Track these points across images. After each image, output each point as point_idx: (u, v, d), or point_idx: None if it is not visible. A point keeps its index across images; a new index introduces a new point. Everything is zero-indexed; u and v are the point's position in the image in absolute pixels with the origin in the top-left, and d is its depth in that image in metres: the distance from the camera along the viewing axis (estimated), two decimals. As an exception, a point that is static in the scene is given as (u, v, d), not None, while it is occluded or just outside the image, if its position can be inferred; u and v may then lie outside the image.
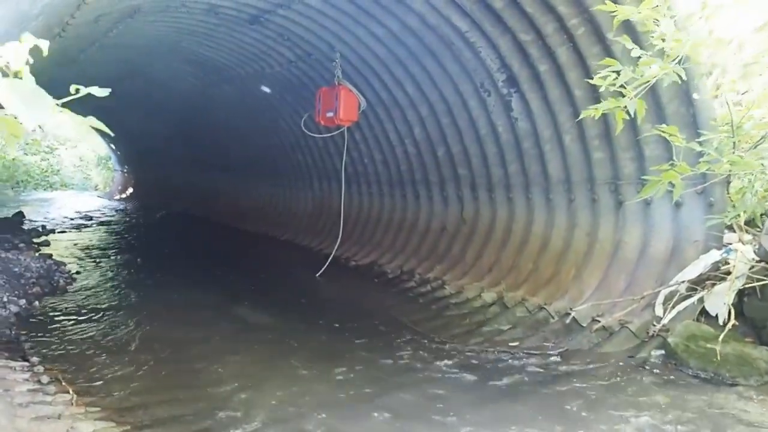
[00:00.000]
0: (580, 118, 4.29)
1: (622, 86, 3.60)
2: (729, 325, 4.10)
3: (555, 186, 6.05)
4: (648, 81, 3.49)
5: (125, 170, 21.83)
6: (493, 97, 6.27)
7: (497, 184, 6.70)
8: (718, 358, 3.97)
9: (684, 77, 3.53)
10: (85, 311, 5.94)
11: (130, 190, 20.54)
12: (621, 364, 4.26)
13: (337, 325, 5.52)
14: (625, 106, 3.58)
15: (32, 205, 18.27)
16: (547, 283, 5.77)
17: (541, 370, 4.28)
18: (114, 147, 21.74)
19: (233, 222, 12.71)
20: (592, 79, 5.33)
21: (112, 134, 1.74)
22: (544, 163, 6.05)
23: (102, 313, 5.92)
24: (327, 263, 7.75)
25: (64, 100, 1.59)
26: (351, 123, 7.59)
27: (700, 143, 3.88)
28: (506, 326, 5.33)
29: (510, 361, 4.53)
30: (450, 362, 4.55)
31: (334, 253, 8.08)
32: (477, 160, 6.86)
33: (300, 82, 8.67)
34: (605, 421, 3.46)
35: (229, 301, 6.36)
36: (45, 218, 14.49)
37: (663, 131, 3.78)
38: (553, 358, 4.51)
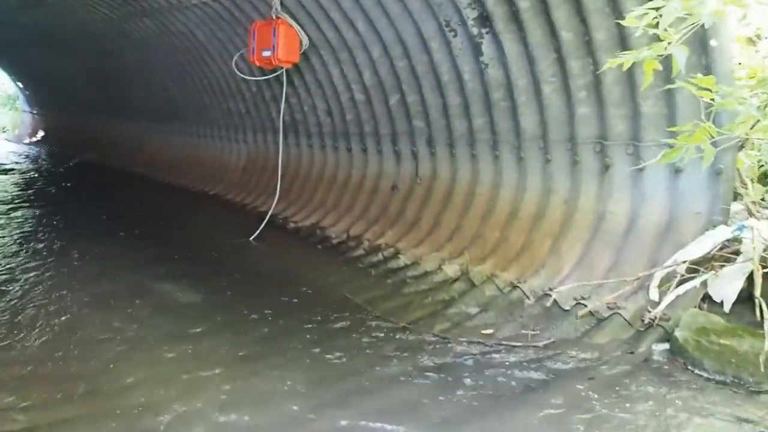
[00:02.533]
0: (602, 69, 3.51)
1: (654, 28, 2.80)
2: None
3: (528, 144, 5.27)
4: (695, 22, 2.70)
5: (35, 112, 19.84)
6: (459, 38, 5.37)
7: (459, 139, 5.87)
8: (737, 358, 3.34)
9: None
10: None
11: (41, 133, 18.69)
12: (620, 362, 3.56)
13: (276, 309, 4.63)
14: (661, 56, 2.79)
15: (-75, 149, 16.38)
16: (519, 256, 5.03)
17: (527, 372, 3.54)
18: (22, 85, 19.66)
19: (156, 174, 11.45)
20: (580, 18, 4.59)
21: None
22: (517, 117, 5.25)
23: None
24: (263, 225, 6.80)
25: None
26: (291, 65, 6.55)
27: (737, 101, 3.14)
28: (475, 309, 4.58)
29: (488, 356, 3.78)
30: (415, 357, 3.77)
31: (270, 212, 7.11)
32: (436, 112, 5.99)
33: (231, 16, 7.50)
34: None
35: (150, 273, 5.37)
36: (-61, 164, 12.87)
37: (693, 83, 3.02)
38: (537, 353, 3.78)
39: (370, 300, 4.85)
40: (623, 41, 4.29)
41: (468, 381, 3.46)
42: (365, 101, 6.73)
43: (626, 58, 2.97)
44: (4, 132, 22.43)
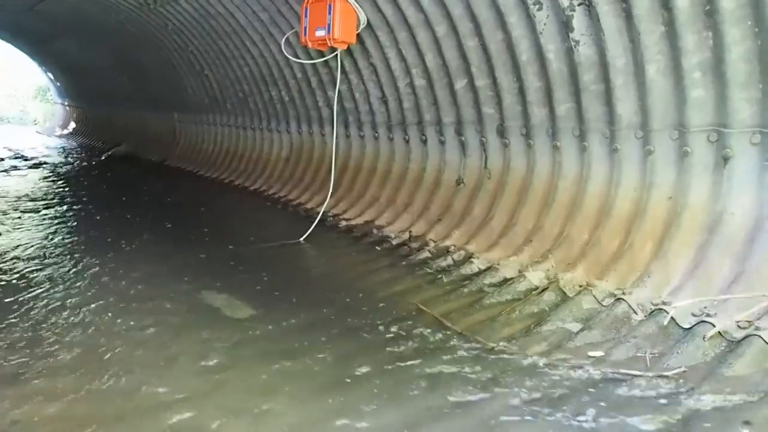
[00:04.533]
0: None
1: None
2: None
3: (624, 133, 4.59)
4: None
5: (66, 103, 19.56)
6: (545, 11, 4.70)
7: (538, 127, 5.21)
8: None
9: None
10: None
11: (73, 125, 18.40)
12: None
13: (341, 326, 4.03)
14: None
15: (-41, 141, 16.16)
16: (615, 261, 4.37)
17: (662, 413, 2.88)
18: (53, 77, 19.38)
19: (194, 167, 11.00)
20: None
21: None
22: (612, 102, 4.56)
23: (14, 299, 4.33)
24: (314, 225, 6.21)
25: None
26: (347, 45, 5.93)
27: None
28: (575, 325, 3.92)
29: (605, 387, 3.14)
30: (517, 387, 3.15)
31: (323, 210, 6.52)
32: (511, 97, 5.33)
33: (276, -6, 6.93)
34: None
35: (196, 281, 4.81)
36: (-31, 158, 12.57)
37: None
38: (665, 384, 3.13)
39: (447, 313, 4.22)
40: (758, 10, 3.60)
41: (589, 423, 2.82)
42: (426, 86, 6.09)
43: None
44: (36, 124, 22.26)
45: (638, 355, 3.49)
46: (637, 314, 3.89)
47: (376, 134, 7.00)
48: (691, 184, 4.23)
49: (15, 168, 11.48)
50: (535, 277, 4.60)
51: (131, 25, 10.47)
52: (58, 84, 19.42)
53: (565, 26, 4.60)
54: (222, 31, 8.55)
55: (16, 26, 14.57)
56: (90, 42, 13.27)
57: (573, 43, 4.62)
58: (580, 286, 4.32)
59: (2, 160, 12.70)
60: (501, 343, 3.71)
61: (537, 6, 4.70)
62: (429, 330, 3.94)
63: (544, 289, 4.39)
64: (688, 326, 3.63)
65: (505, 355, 3.56)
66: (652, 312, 3.82)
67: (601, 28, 4.38)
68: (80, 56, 15.04)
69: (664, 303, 3.83)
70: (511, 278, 4.69)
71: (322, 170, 7.89)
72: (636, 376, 3.23)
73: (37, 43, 16.04)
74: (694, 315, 3.68)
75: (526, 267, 4.74)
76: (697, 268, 4.00)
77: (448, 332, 3.90)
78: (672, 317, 3.70)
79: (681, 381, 3.14)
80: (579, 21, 4.51)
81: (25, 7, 11.49)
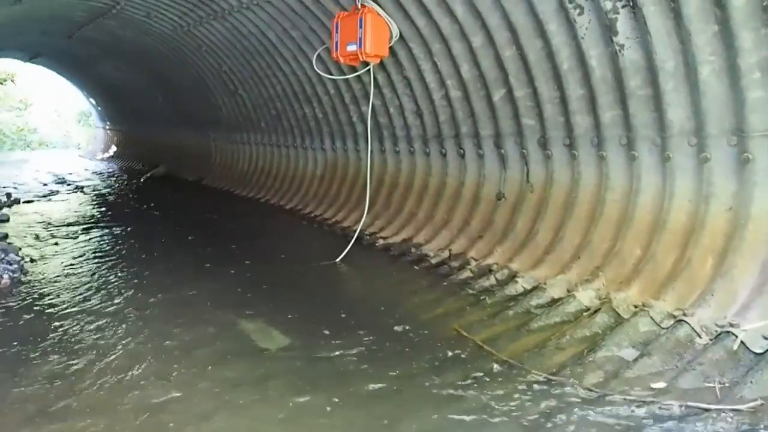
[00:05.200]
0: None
1: None
2: None
3: (676, 140, 4.29)
4: None
5: (107, 127, 19.90)
6: (586, 15, 4.44)
7: (581, 137, 4.94)
8: None
9: None
10: (23, 339, 4.19)
11: (113, 148, 18.68)
12: None
13: (379, 354, 3.82)
14: None
15: (5, 167, 16.55)
16: (673, 279, 4.06)
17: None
18: (94, 102, 19.74)
19: (229, 186, 10.97)
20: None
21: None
22: (661, 107, 4.27)
23: (49, 338, 4.22)
24: (350, 245, 6.02)
25: None
26: (379, 59, 5.76)
27: None
28: (632, 351, 3.63)
29: (675, 424, 2.85)
30: (576, 426, 2.88)
31: (359, 230, 6.33)
32: (552, 107, 5.07)
33: (305, 10, 6.79)
34: None
35: (229, 305, 4.67)
36: (14, 183, 12.78)
37: None
38: (742, 420, 2.82)
39: (492, 338, 3.98)
40: (824, 2, 3.30)
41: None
42: (462, 98, 5.87)
43: None
44: (78, 149, 22.70)
45: (707, 385, 3.19)
46: (701, 337, 3.58)
47: (412, 149, 6.79)
48: (754, 193, 3.90)
49: (56, 192, 11.61)
50: (586, 296, 4.32)
51: (166, 48, 10.52)
52: (99, 108, 19.78)
53: (608, 30, 4.33)
54: (254, 50, 8.48)
55: (58, 52, 14.88)
56: (128, 66, 13.43)
57: (617, 48, 4.34)
58: (635, 307, 4.03)
59: (45, 185, 12.90)
60: (552, 373, 3.44)
61: (578, 11, 4.44)
62: (473, 358, 3.71)
63: (596, 311, 4.10)
64: (760, 351, 3.31)
65: (558, 387, 3.30)
66: (719, 335, 3.50)
67: (647, 30, 4.10)
68: (119, 80, 15.27)
69: (731, 324, 3.51)
70: (560, 298, 4.41)
71: (357, 187, 7.72)
72: (706, 410, 2.93)
73: (78, 69, 16.34)
74: (766, 338, 3.36)
75: (575, 286, 4.46)
76: (765, 284, 3.68)
77: (494, 360, 3.65)
78: (741, 341, 3.38)
79: (759, 415, 2.83)
80: (623, 24, 4.24)
81: (65, 34, 11.70)
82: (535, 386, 3.32)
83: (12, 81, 21.54)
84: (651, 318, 3.86)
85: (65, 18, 10.25)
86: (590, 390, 3.23)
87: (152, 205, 10.10)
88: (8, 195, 10.69)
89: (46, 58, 16.42)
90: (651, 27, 4.08)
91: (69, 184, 12.95)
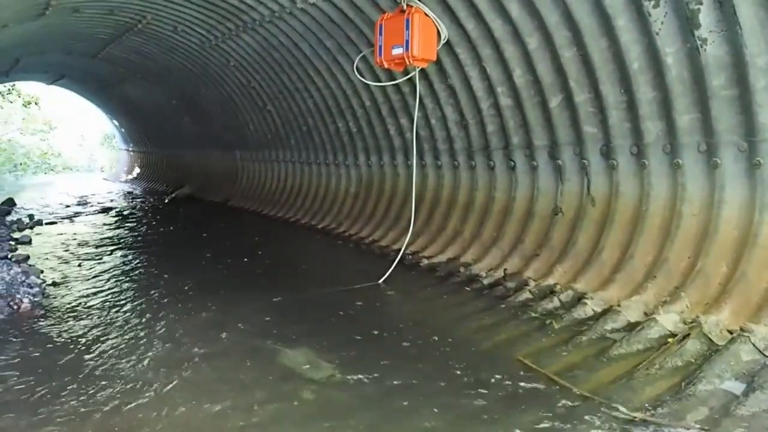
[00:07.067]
0: None
1: None
2: None
3: (767, 145, 3.84)
4: None
5: (130, 149, 19.77)
6: (663, 7, 4.02)
7: (652, 145, 4.49)
8: None
9: None
10: (45, 373, 3.80)
11: (137, 170, 18.51)
12: None
13: (434, 388, 3.35)
14: None
15: (28, 190, 16.42)
16: (770, 300, 3.59)
17: None
18: (117, 124, 19.64)
19: (257, 206, 10.62)
20: None
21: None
22: (751, 109, 3.82)
23: (73, 372, 3.83)
24: (394, 264, 5.59)
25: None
26: (427, 64, 5.36)
27: None
28: (737, 384, 3.15)
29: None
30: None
31: (404, 249, 5.89)
32: (618, 112, 4.64)
33: (342, 17, 6.45)
34: None
35: (269, 333, 4.23)
36: (38, 205, 12.56)
37: None
38: None
39: (567, 369, 3.51)
40: None
41: None
42: (514, 106, 5.46)
43: None
44: (102, 171, 22.62)
45: (835, 424, 2.71)
46: (817, 367, 3.10)
47: (456, 162, 6.38)
48: None
49: (79, 214, 11.34)
50: (668, 320, 3.84)
51: (192, 64, 10.26)
52: (123, 130, 19.69)
53: (688, 23, 3.91)
54: (285, 63, 8.16)
55: (82, 73, 14.76)
56: (152, 85, 13.23)
57: (699, 43, 3.91)
58: (731, 332, 3.55)
59: (68, 206, 12.66)
60: (646, 412, 2.97)
61: (652, 2, 4.03)
62: (547, 393, 3.24)
63: (684, 336, 3.62)
64: None
65: (657, 428, 2.82)
66: (838, 365, 3.03)
67: (737, 21, 3.67)
68: (142, 99, 15.10)
69: None
70: (638, 322, 3.94)
71: (395, 204, 7.31)
72: None
73: (102, 89, 16.22)
74: None
75: (654, 308, 3.99)
76: None
77: (572, 395, 3.18)
78: None
79: None
80: (707, 15, 3.82)
81: (89, 53, 11.53)
82: (627, 428, 2.84)
83: (36, 104, 21.58)
84: (753, 345, 3.38)
85: (90, 36, 10.04)
86: (703, 430, 2.75)
87: (175, 227, 9.76)
88: (31, 216, 10.44)
89: (69, 80, 16.34)
90: (741, 17, 3.65)
91: (92, 206, 12.70)
